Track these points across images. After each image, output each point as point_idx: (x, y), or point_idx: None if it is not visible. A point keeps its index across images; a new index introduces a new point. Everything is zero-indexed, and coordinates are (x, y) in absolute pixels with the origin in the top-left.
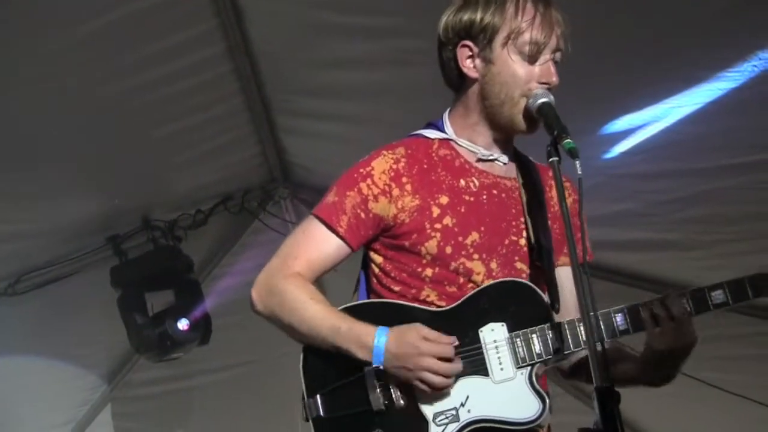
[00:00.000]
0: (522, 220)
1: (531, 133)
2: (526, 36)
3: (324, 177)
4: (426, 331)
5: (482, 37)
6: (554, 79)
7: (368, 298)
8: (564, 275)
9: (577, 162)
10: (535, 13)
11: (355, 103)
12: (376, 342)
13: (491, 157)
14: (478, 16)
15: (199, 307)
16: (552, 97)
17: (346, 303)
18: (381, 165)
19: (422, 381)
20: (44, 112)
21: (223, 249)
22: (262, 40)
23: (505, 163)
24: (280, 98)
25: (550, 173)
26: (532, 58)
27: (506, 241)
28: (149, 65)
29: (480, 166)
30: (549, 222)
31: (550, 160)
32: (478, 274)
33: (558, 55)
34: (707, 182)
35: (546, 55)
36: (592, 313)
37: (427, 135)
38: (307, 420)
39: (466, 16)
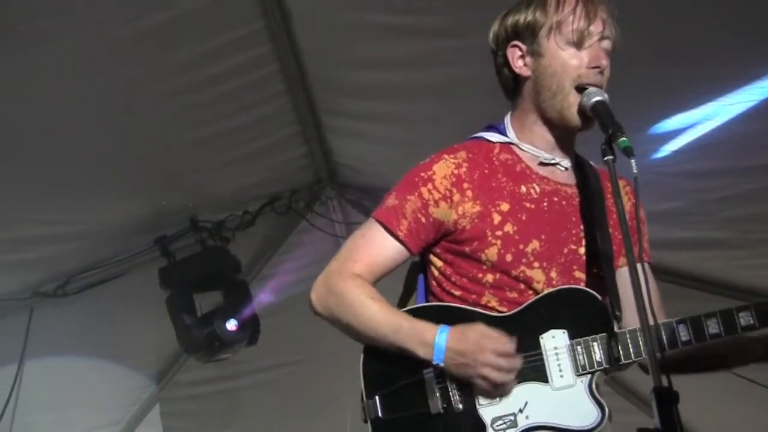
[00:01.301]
0: (581, 228)
1: (585, 129)
2: (570, 24)
3: (370, 177)
4: (487, 329)
5: (528, 33)
6: (603, 61)
7: (426, 301)
8: (625, 277)
9: (633, 161)
10: (577, 2)
11: (401, 102)
12: (437, 339)
13: (553, 161)
14: (522, 16)
15: (247, 308)
16: (606, 95)
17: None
18: (442, 169)
19: (482, 377)
20: (91, 113)
21: (270, 249)
22: (309, 40)
23: (566, 168)
24: (326, 98)
25: (620, 183)
26: (578, 44)
27: (565, 250)
28: (196, 66)
29: (541, 171)
30: (610, 229)
31: (605, 158)
32: (538, 282)
33: (606, 43)
34: (757, 181)
35: (593, 39)
36: (650, 316)
37: (489, 138)
38: (366, 421)
39: (510, 20)
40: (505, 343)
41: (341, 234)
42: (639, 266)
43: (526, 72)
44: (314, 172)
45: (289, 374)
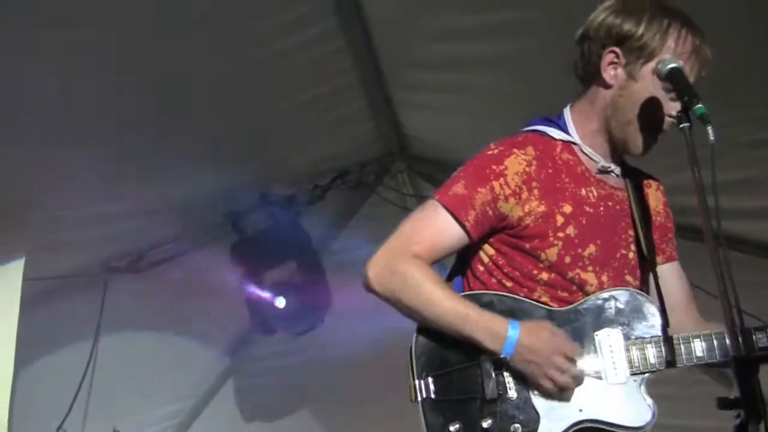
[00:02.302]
0: (630, 233)
1: (641, 156)
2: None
3: (441, 149)
4: (557, 329)
5: (635, 51)
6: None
7: (464, 284)
8: (667, 272)
9: (710, 127)
10: (693, 49)
11: (471, 74)
12: (509, 333)
13: (609, 169)
14: (640, 31)
15: (318, 282)
16: (681, 62)
17: None
18: (514, 166)
19: (548, 378)
20: (162, 91)
21: (340, 223)
22: (378, 13)
23: (618, 175)
24: (396, 71)
25: (645, 180)
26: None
27: (618, 254)
28: (264, 41)
29: (598, 175)
30: (652, 233)
31: (681, 126)
32: (591, 285)
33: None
34: None
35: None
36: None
37: (551, 134)
38: (413, 401)
39: (626, 26)
40: (573, 346)
41: (412, 207)
42: (671, 265)
43: (612, 81)
44: (384, 145)
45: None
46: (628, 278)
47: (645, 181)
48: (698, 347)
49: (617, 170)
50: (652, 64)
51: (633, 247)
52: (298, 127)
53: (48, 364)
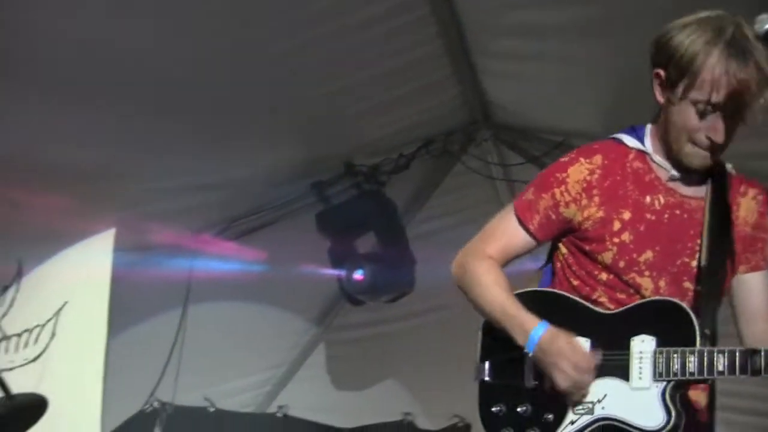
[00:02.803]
0: (698, 242)
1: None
2: (704, 95)
3: (526, 118)
4: (576, 342)
5: (675, 73)
6: (719, 137)
7: (552, 280)
8: (751, 281)
9: None
10: (726, 73)
11: (555, 42)
12: (533, 332)
13: (676, 177)
14: (681, 51)
15: (403, 251)
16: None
17: None
18: (576, 174)
19: (554, 378)
20: (247, 63)
21: (425, 193)
22: None
23: (694, 183)
24: (480, 39)
25: (742, 188)
26: (701, 115)
27: (678, 262)
28: (349, 11)
29: (670, 184)
30: (729, 242)
31: None
32: (646, 289)
33: (744, 109)
34: None
35: (722, 113)
36: None
37: (626, 142)
38: (475, 380)
39: (673, 43)
40: (584, 361)
41: (497, 176)
42: (758, 275)
43: (660, 100)
44: (469, 113)
45: (445, 319)
46: (687, 285)
47: (741, 189)
48: (720, 361)
49: (694, 177)
50: (682, 88)
51: (698, 256)
52: (382, 96)
53: (139, 334)
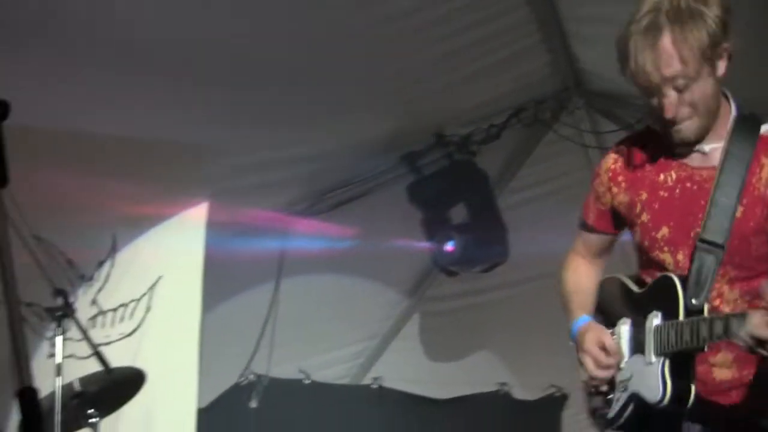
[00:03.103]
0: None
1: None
2: (638, 82)
3: (618, 83)
4: (603, 338)
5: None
6: (668, 115)
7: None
8: None
9: None
10: (643, 61)
11: None
12: (572, 326)
13: (690, 151)
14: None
15: (495, 221)
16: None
17: None
18: (605, 164)
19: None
20: (337, 35)
21: (517, 162)
22: None
23: (707, 152)
24: (570, 4)
25: None
26: (650, 96)
27: (692, 234)
28: None
29: (681, 159)
30: (745, 207)
31: None
32: (669, 264)
33: (679, 82)
34: None
35: (661, 92)
36: None
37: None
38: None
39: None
40: (603, 358)
41: (590, 143)
42: None
43: None
44: (560, 81)
45: (540, 288)
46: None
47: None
48: (704, 329)
49: (706, 147)
50: None
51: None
52: (472, 65)
53: (233, 307)
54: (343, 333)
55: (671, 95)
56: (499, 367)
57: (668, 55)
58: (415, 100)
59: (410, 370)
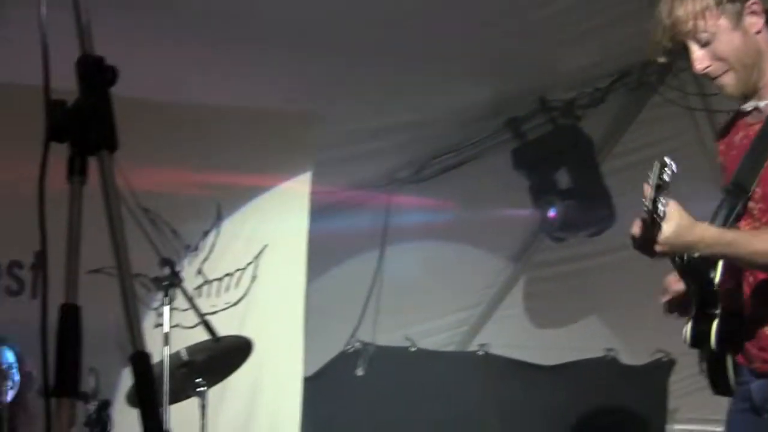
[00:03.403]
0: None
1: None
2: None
3: None
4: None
5: None
6: (696, 69)
7: None
8: None
9: None
10: (668, 15)
11: None
12: None
13: (749, 108)
14: None
15: (600, 187)
16: None
17: None
18: (718, 132)
19: None
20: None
21: (622, 126)
22: None
23: (761, 108)
24: None
25: None
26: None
27: None
28: None
29: (748, 118)
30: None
31: None
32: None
33: (703, 36)
34: None
35: (688, 48)
36: None
37: None
38: None
39: None
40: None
41: (696, 106)
42: None
43: None
44: None
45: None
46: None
47: None
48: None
49: (761, 103)
50: None
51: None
52: (575, 29)
53: (337, 275)
54: (448, 300)
55: (695, 49)
56: (605, 332)
57: (681, 11)
58: (519, 64)
59: (516, 337)
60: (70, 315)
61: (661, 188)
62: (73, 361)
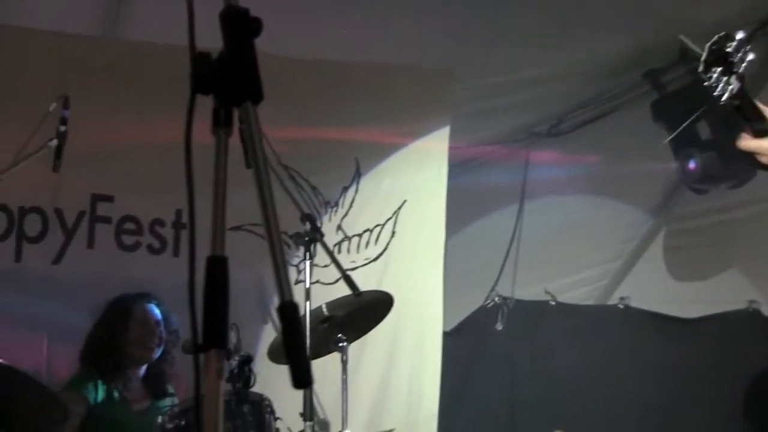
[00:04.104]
0: None
1: None
2: None
3: None
4: None
5: None
6: None
7: None
8: None
9: None
10: None
11: None
12: None
13: None
14: None
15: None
16: None
17: None
18: None
19: None
20: None
21: (764, 76)
22: None
23: None
24: None
25: None
26: None
27: None
28: None
29: None
30: None
31: None
32: None
33: None
34: None
35: None
36: None
37: None
38: None
39: None
40: None
41: None
42: None
43: None
44: None
45: None
46: None
47: None
48: None
49: None
50: None
51: None
52: None
53: (476, 229)
54: (588, 254)
55: None
56: (747, 284)
57: None
58: (659, 15)
59: (656, 290)
60: (218, 267)
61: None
62: (221, 313)
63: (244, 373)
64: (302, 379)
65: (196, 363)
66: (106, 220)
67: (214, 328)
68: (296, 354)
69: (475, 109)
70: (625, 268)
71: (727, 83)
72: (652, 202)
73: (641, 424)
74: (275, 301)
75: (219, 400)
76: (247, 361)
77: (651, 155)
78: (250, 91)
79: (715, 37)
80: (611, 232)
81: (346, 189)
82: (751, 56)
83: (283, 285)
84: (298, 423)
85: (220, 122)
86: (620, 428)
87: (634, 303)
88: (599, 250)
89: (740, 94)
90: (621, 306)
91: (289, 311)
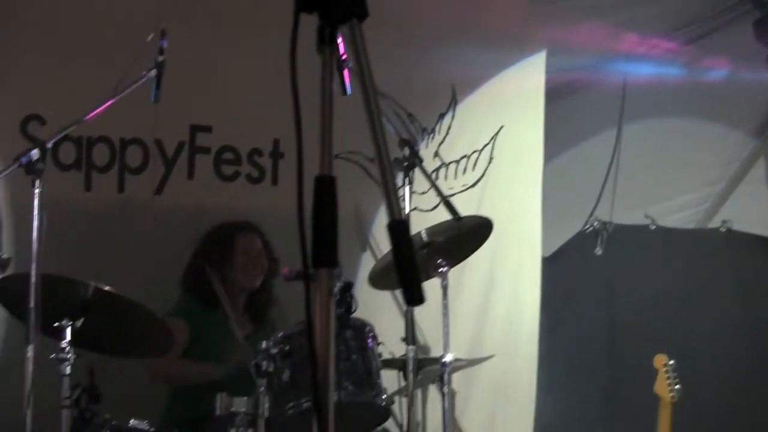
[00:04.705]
0: None
1: None
2: None
3: None
4: None
5: None
6: None
7: None
8: None
9: None
10: None
11: None
12: None
13: None
14: None
15: None
16: None
17: None
18: None
19: None
20: None
21: None
22: None
23: None
24: None
25: None
26: None
27: None
28: None
29: None
30: None
31: None
32: None
33: None
34: None
35: None
36: None
37: None
38: None
39: None
40: None
41: None
42: None
43: None
44: None
45: None
46: None
47: None
48: None
49: None
50: None
51: None
52: None
53: (574, 154)
54: (688, 177)
55: None
56: None
57: None
58: None
59: (759, 213)
60: (326, 186)
61: None
62: (330, 232)
63: (345, 299)
64: (415, 296)
65: (307, 281)
66: (206, 150)
67: (324, 246)
68: (408, 271)
69: (573, 30)
70: (727, 191)
71: None
72: (754, 123)
73: (747, 350)
74: (373, 229)
75: (330, 318)
76: (348, 287)
77: (753, 74)
78: (354, 8)
79: None
80: (712, 155)
81: (442, 116)
82: None
83: (393, 204)
84: (400, 348)
85: (325, 40)
86: (724, 355)
87: (736, 226)
88: (700, 173)
89: None
90: (723, 229)
91: (399, 229)
